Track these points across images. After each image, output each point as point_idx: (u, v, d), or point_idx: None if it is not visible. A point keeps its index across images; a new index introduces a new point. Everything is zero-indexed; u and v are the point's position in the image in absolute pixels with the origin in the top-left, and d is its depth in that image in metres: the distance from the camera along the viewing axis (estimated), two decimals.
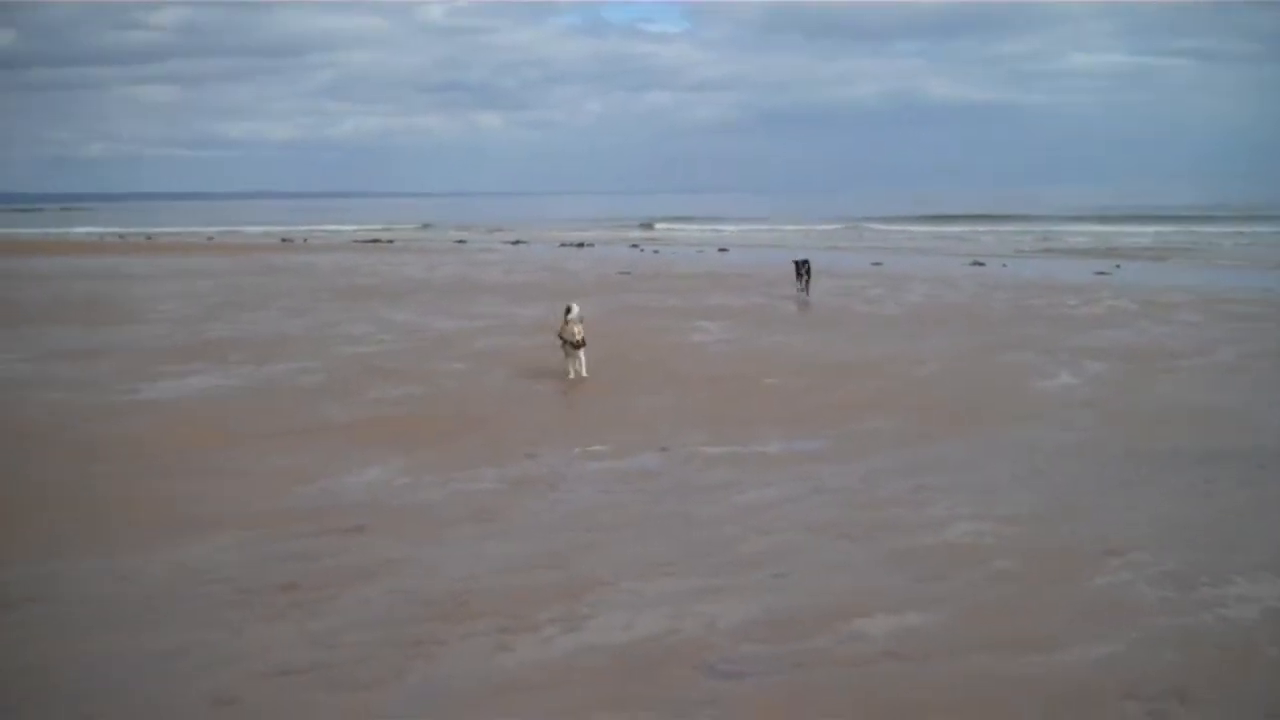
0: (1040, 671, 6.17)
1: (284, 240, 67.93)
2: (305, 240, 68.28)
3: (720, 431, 12.23)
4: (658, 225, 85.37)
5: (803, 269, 27.76)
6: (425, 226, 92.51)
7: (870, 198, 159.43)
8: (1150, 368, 16.07)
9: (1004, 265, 38.22)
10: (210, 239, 70.68)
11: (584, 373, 15.51)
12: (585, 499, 9.95)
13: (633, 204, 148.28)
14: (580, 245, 57.64)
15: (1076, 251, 46.17)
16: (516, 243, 62.99)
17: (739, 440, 11.83)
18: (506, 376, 15.92)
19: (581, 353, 15.53)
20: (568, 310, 15.86)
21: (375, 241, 65.48)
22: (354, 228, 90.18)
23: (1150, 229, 63.67)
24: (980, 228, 71.73)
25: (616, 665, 6.29)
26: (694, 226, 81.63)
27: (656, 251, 50.82)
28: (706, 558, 8.15)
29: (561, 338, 15.71)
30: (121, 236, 75.14)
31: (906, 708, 5.73)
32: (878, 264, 39.23)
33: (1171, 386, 14.72)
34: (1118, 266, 36.39)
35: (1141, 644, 6.52)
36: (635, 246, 56.30)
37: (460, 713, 5.69)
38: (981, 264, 38.44)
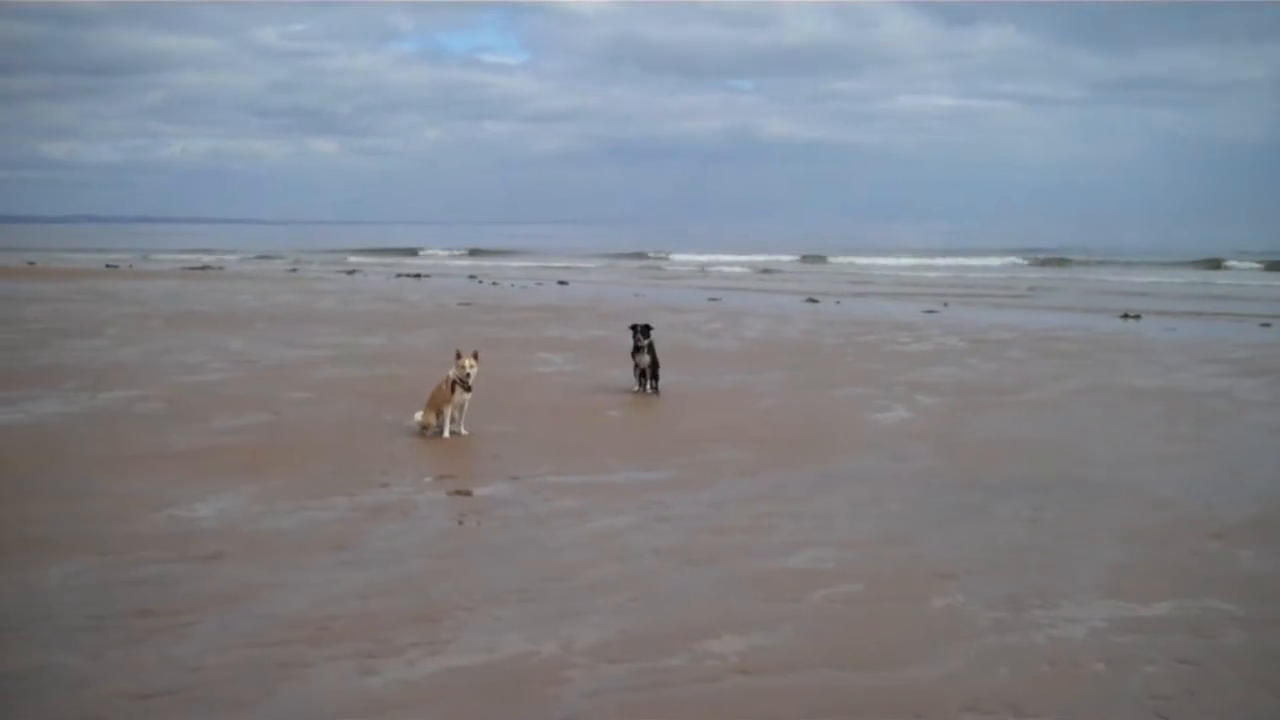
0: (884, 685, 6.50)
1: (110, 266, 66.19)
2: (132, 266, 66.63)
3: (568, 461, 12.43)
4: (492, 257, 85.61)
5: (643, 348, 17.44)
6: (260, 256, 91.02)
7: (710, 231, 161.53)
8: (979, 402, 16.77)
9: (837, 302, 39.22)
10: (32, 263, 68.41)
11: (463, 430, 13.89)
12: (439, 526, 10.06)
13: (471, 234, 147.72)
14: (417, 276, 57.41)
15: (905, 288, 47.57)
16: (352, 272, 62.44)
17: (587, 470, 12.05)
18: (350, 406, 15.89)
19: (469, 396, 13.83)
20: (465, 364, 13.77)
21: (206, 269, 64.26)
22: (183, 254, 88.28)
23: (977, 261, 65.98)
24: (812, 267, 73.40)
25: (480, 685, 6.44)
26: (530, 263, 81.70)
27: (495, 284, 50.89)
28: (561, 582, 8.34)
29: (454, 386, 13.76)
30: None
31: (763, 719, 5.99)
32: (715, 299, 39.91)
33: (1000, 420, 15.38)
34: (945, 305, 37.63)
35: (977, 661, 6.91)
36: (473, 278, 56.34)
37: None
38: (816, 301, 39.40)
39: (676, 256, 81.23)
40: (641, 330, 17.46)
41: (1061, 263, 67.10)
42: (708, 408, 16.14)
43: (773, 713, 6.09)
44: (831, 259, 75.46)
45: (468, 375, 13.71)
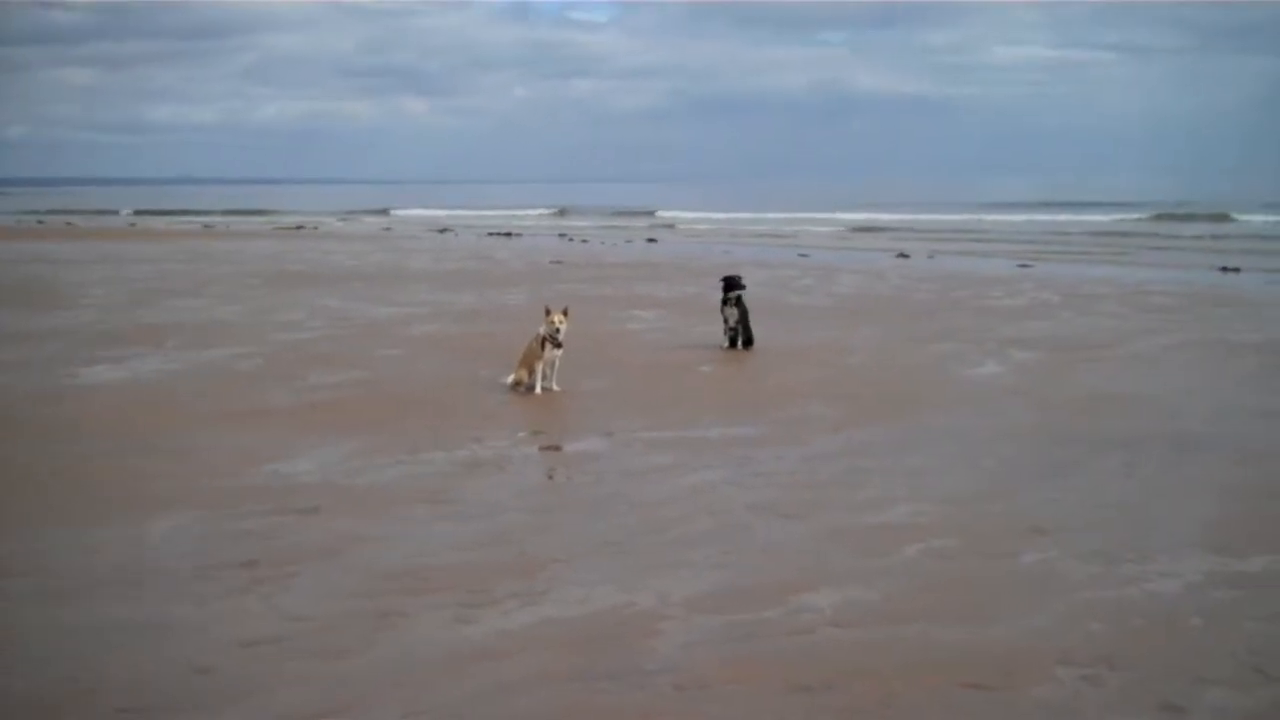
0: (976, 640, 6.51)
1: (207, 226, 67.33)
2: (229, 227, 67.73)
3: (660, 417, 12.49)
4: (579, 215, 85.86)
5: (729, 300, 17.33)
6: (349, 214, 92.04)
7: (800, 188, 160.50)
8: (1074, 357, 16.57)
9: (930, 257, 38.86)
10: (133, 225, 69.85)
11: (555, 386, 13.92)
12: (533, 481, 10.20)
13: (560, 192, 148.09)
14: (508, 234, 57.69)
15: (998, 243, 46.95)
16: (443, 230, 62.92)
17: (678, 425, 12.10)
18: (444, 362, 16.08)
19: (560, 354, 13.85)
20: (555, 320, 13.76)
21: (300, 228, 65.10)
22: (279, 214, 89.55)
23: (1075, 217, 65.03)
24: (907, 216, 72.71)
25: (576, 636, 6.55)
26: (626, 221, 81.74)
27: (585, 241, 51.06)
28: (654, 536, 8.43)
29: (545, 343, 13.76)
30: (41, 221, 73.94)
31: (851, 673, 6.03)
32: (805, 255, 39.74)
33: (1094, 375, 15.20)
34: (1039, 260, 37.12)
35: (1071, 616, 6.88)
36: (564, 236, 56.52)
37: (429, 679, 5.91)
38: (907, 256, 39.06)
39: (764, 214, 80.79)
40: (730, 283, 17.39)
41: (1161, 217, 65.82)
42: (799, 363, 16.12)
43: (866, 666, 6.12)
44: (922, 214, 74.65)
45: (557, 331, 13.72)
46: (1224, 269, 32.52)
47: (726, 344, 17.41)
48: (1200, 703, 5.71)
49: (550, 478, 10.49)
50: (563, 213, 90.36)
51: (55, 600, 7.04)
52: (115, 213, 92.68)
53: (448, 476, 10.11)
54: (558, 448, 11.37)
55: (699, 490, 9.67)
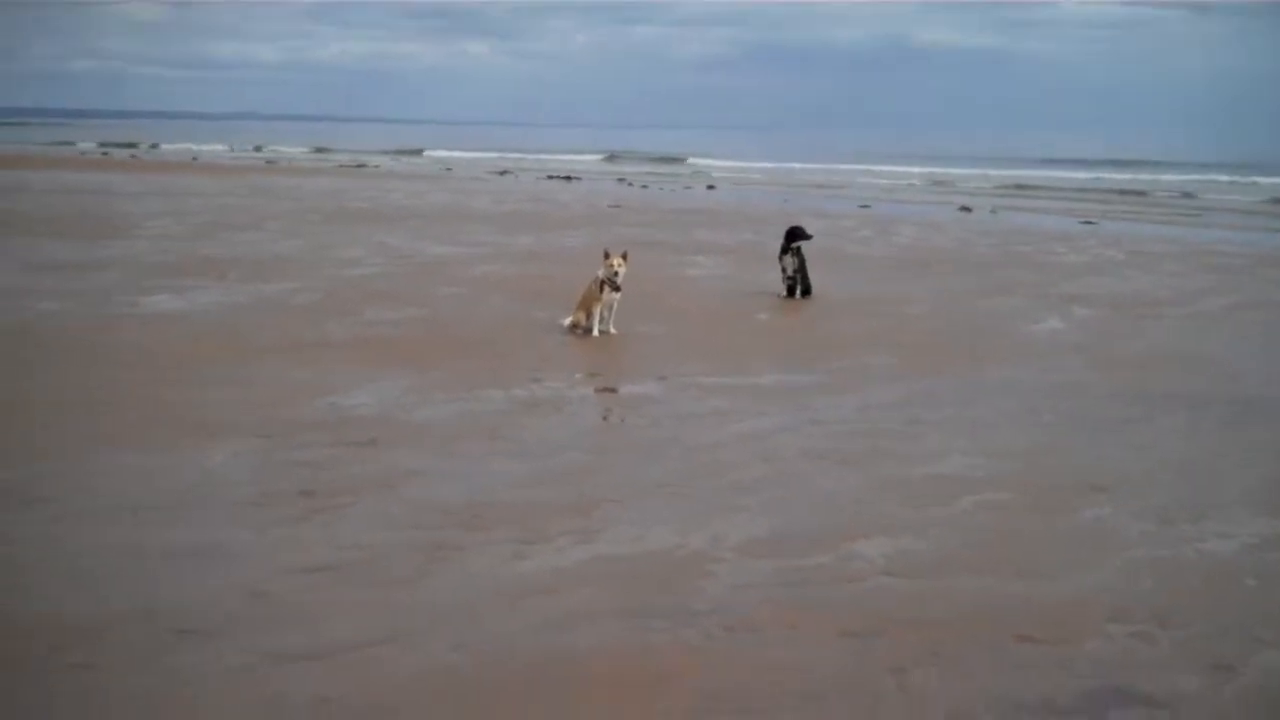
0: (1028, 593, 6.49)
1: (269, 162, 67.71)
2: (291, 163, 68.08)
3: (716, 363, 12.48)
4: (639, 161, 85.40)
5: (790, 250, 17.33)
6: (410, 152, 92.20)
7: (859, 139, 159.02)
8: (1136, 314, 16.39)
9: (992, 211, 38.47)
10: (195, 159, 70.33)
11: (612, 329, 13.94)
12: (589, 422, 10.24)
13: (613, 137, 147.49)
14: (568, 178, 57.64)
15: (1063, 198, 46.37)
16: (504, 173, 62.96)
17: (734, 372, 12.09)
18: (504, 303, 16.13)
19: (618, 297, 13.83)
20: (614, 264, 13.78)
21: (361, 166, 65.33)
22: (338, 152, 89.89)
23: (1141, 176, 64.11)
24: (969, 170, 71.88)
25: (629, 574, 6.58)
26: (677, 169, 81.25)
27: (645, 186, 50.90)
28: (709, 479, 8.44)
29: (603, 286, 13.79)
30: (106, 154, 74.63)
31: (901, 622, 6.03)
32: (865, 206, 39.44)
33: (1156, 333, 15.04)
34: (1104, 218, 36.64)
35: (1125, 573, 6.84)
36: (623, 181, 56.36)
37: (480, 612, 5.97)
38: (969, 209, 38.69)
39: (824, 165, 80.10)
40: (793, 233, 17.32)
41: (1226, 181, 64.69)
42: (857, 314, 16.04)
43: (917, 615, 6.12)
44: (986, 169, 73.73)
45: (616, 275, 13.74)
46: None
47: (784, 293, 17.36)
48: (1252, 663, 5.67)
49: (606, 419, 10.52)
50: (612, 158, 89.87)
51: (115, 522, 7.15)
52: (174, 146, 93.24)
53: (505, 415, 10.16)
54: (614, 390, 11.40)
55: (754, 436, 9.66)
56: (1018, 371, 12.46)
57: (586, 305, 13.96)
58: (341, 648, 5.44)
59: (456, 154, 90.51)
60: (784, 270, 17.37)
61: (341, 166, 64.17)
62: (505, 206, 34.78)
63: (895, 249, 25.04)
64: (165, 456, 8.52)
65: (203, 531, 7.03)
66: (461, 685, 5.15)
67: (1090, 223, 33.85)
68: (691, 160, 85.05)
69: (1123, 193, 53.81)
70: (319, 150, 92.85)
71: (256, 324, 13.97)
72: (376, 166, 65.97)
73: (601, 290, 13.87)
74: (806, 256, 17.44)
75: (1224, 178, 65.13)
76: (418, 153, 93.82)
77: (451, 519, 7.38)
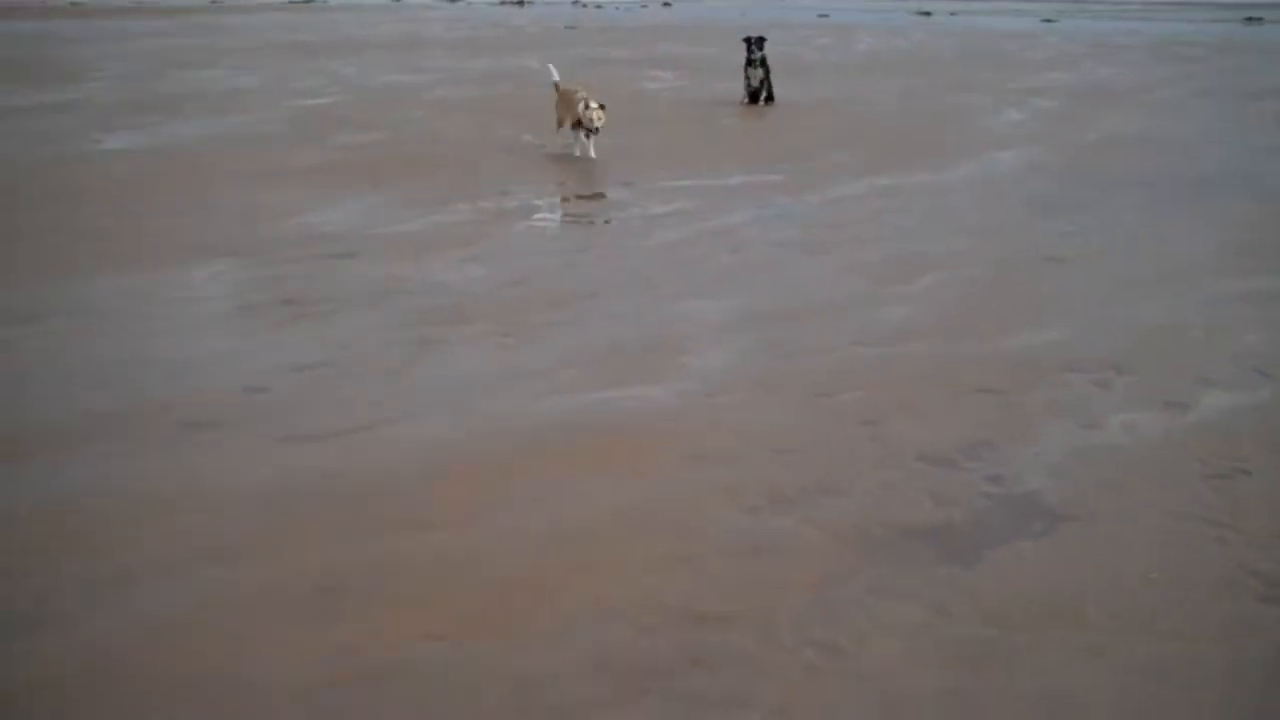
0: (990, 351, 6.80)
1: (213, 1, 66.20)
2: (236, 2, 66.58)
3: (682, 168, 12.64)
4: None
5: (754, 61, 17.47)
6: None
7: None
8: (1095, 104, 16.57)
9: (951, 14, 38.20)
10: (138, 2, 68.65)
11: (591, 154, 13.42)
12: (560, 227, 10.44)
13: None
14: (520, 2, 56.69)
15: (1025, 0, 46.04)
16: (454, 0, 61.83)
17: (701, 175, 12.26)
18: (466, 123, 16.17)
19: (592, 138, 13.37)
20: (593, 116, 13.11)
21: (310, 1, 64.00)
22: None
23: None
24: None
25: (609, 356, 6.85)
26: None
27: (599, 7, 50.18)
28: (680, 271, 8.68)
29: (574, 121, 13.38)
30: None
31: (870, 383, 6.33)
32: (824, 15, 39.07)
33: (1114, 121, 15.24)
34: (1064, 15, 36.46)
35: (1083, 330, 7.16)
36: (577, 2, 55.50)
37: (471, 394, 6.23)
38: (928, 13, 38.40)
39: None
40: (755, 42, 17.33)
41: None
42: (820, 116, 16.15)
43: (884, 376, 6.42)
44: None
45: (596, 130, 13.19)
46: (1248, 19, 31.99)
47: (746, 99, 17.40)
48: (1201, 400, 6.01)
49: (575, 224, 10.71)
50: None
51: (110, 335, 7.36)
52: None
53: (476, 225, 10.33)
54: (582, 197, 11.57)
55: (722, 232, 9.89)
56: (979, 162, 12.68)
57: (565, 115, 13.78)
58: (344, 430, 5.71)
59: None
60: (749, 81, 17.40)
61: (289, 2, 62.83)
62: (459, 33, 34.37)
63: (856, 55, 25.00)
64: (148, 277, 8.67)
65: (194, 340, 7.24)
66: (462, 453, 5.44)
67: (1050, 20, 33.70)
68: None
69: None
70: None
71: (222, 154, 14.01)
72: (326, 1, 64.61)
73: (576, 127, 13.45)
74: (770, 66, 17.46)
75: None
76: None
77: (433, 317, 7.61)
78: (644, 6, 50.00)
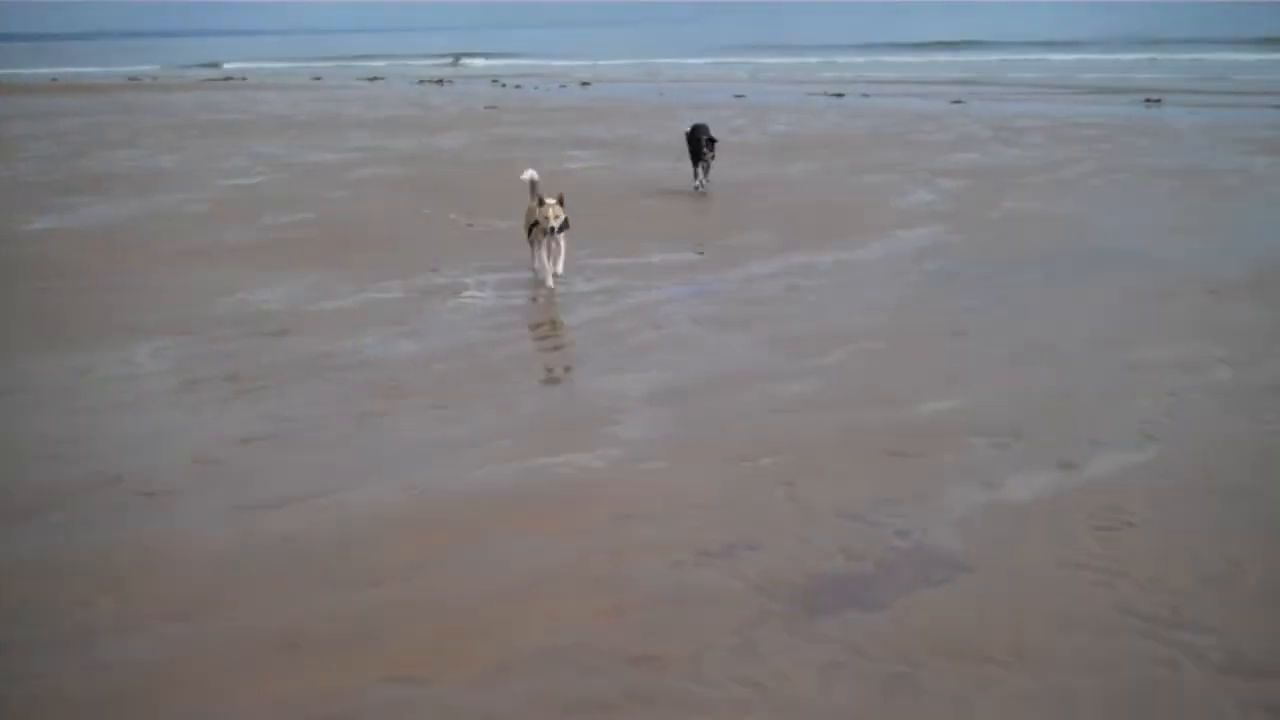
0: (898, 418, 7.29)
1: (132, 79, 66.24)
2: (155, 79, 66.69)
3: (605, 246, 13.09)
4: (504, 60, 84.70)
5: (706, 148, 17.03)
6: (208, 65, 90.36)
7: (726, 30, 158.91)
8: (999, 184, 17.30)
9: (864, 96, 39.32)
10: (54, 80, 68.50)
11: (560, 269, 11.25)
12: (488, 304, 10.81)
13: (459, 38, 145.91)
14: (440, 82, 57.35)
15: (933, 82, 47.40)
16: (374, 79, 62.38)
17: (624, 253, 12.72)
18: (392, 202, 16.56)
19: (562, 240, 11.12)
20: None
21: (228, 79, 64.28)
22: (199, 67, 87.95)
23: (1007, 57, 65.48)
24: (838, 58, 72.73)
25: (542, 425, 7.26)
26: (552, 61, 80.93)
27: (519, 86, 50.92)
28: (605, 346, 9.12)
29: (532, 223, 11.34)
30: None
31: (787, 448, 6.77)
32: (740, 96, 40.05)
33: (1017, 200, 15.95)
34: (970, 98, 37.68)
35: (985, 399, 7.66)
36: (496, 81, 56.25)
37: (410, 464, 6.60)
38: (841, 95, 39.50)
39: (687, 60, 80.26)
40: (698, 134, 17.13)
41: (1081, 52, 66.54)
42: (737, 196, 16.73)
43: (799, 441, 6.87)
44: (854, 57, 74.68)
45: (553, 230, 10.94)
46: (1148, 101, 33.31)
47: (703, 186, 17.33)
48: (1091, 460, 6.52)
49: (503, 301, 11.09)
50: (458, 61, 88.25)
51: (58, 411, 7.65)
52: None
53: (407, 302, 10.72)
54: (508, 275, 11.95)
55: (645, 308, 10.35)
56: (889, 241, 13.27)
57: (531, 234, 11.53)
58: (296, 497, 6.05)
59: (255, 65, 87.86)
60: (705, 173, 17.28)
61: (208, 80, 63.06)
62: (380, 111, 34.84)
63: (771, 135, 25.75)
64: (91, 355, 8.96)
65: (142, 416, 7.55)
66: (407, 517, 5.81)
67: (959, 102, 34.84)
68: (554, 61, 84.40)
69: (988, 74, 54.97)
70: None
71: (154, 233, 14.30)
72: (244, 79, 64.91)
73: (535, 231, 11.32)
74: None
75: (1076, 52, 66.69)
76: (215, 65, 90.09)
77: (372, 390, 7.98)
78: (562, 87, 50.82)
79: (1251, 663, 4.44)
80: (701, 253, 12.72)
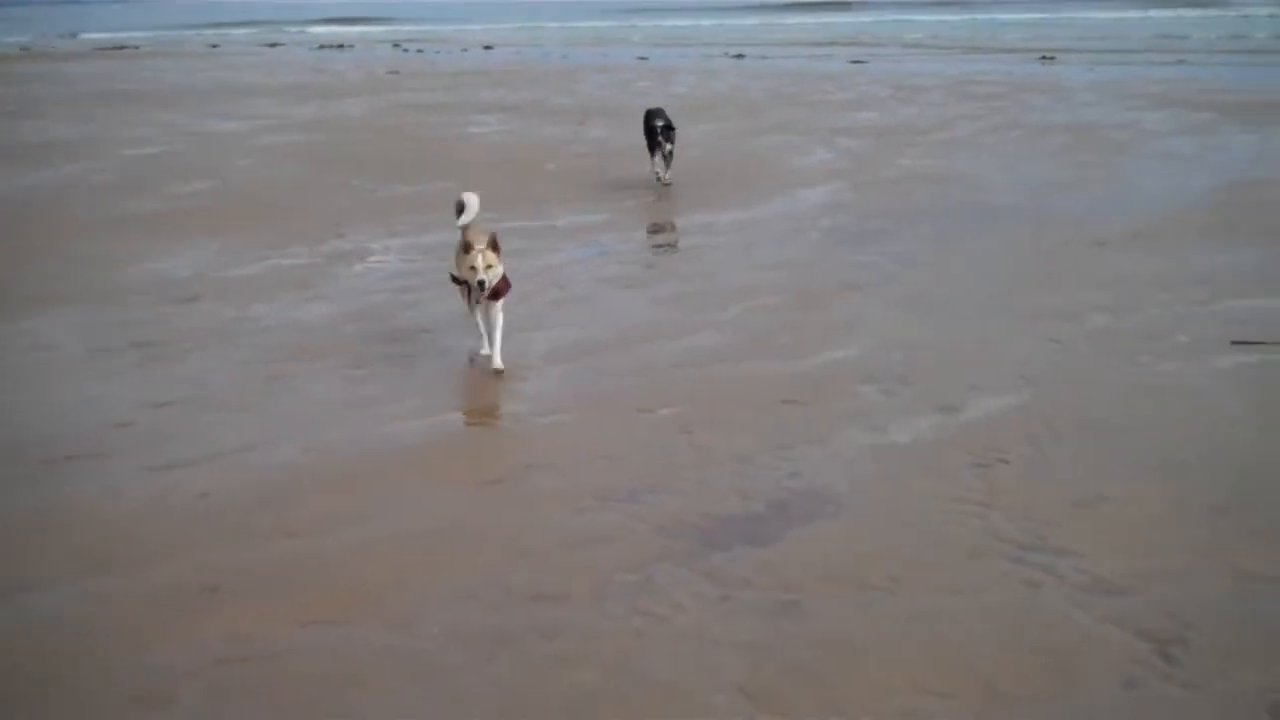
0: (793, 370, 7.62)
1: (24, 49, 64.84)
2: (46, 49, 65.33)
3: (510, 209, 13.25)
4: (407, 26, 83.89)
5: (662, 136, 14.65)
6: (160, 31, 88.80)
7: None
8: (896, 142, 17.72)
9: (764, 58, 39.65)
10: None
11: (496, 353, 7.76)
12: (394, 267, 10.99)
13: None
14: (340, 46, 56.84)
15: (830, 44, 47.90)
16: (274, 45, 61.65)
17: (529, 216, 12.92)
18: (295, 169, 16.60)
19: (499, 311, 7.81)
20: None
21: (123, 48, 63.14)
22: (98, 34, 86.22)
23: (908, 17, 66.15)
24: (747, 20, 73.03)
25: (450, 384, 7.52)
26: (448, 26, 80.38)
27: (420, 51, 50.64)
28: (512, 307, 9.34)
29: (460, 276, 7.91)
30: None
31: (686, 399, 7.08)
32: (643, 58, 40.21)
33: (913, 158, 16.37)
34: (872, 58, 38.18)
35: (875, 349, 8.02)
36: (398, 46, 55.88)
37: (321, 423, 6.81)
38: (742, 56, 39.82)
39: (589, 23, 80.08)
40: (664, 130, 14.82)
41: (974, 12, 67.48)
42: (638, 159, 16.96)
43: (699, 393, 7.18)
44: (744, 19, 75.00)
45: (482, 284, 7.61)
46: (1043, 58, 34.01)
47: (665, 177, 15.05)
48: (971, 403, 6.90)
49: (409, 263, 11.26)
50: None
51: None
52: None
53: (314, 267, 10.87)
54: (413, 240, 12.12)
55: (550, 269, 10.59)
56: (787, 200, 13.62)
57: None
58: (209, 456, 6.25)
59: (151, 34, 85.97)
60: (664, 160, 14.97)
61: (100, 49, 61.90)
62: (281, 78, 34.54)
63: (673, 96, 25.95)
64: (1, 327, 9.02)
65: (55, 385, 7.67)
66: (318, 473, 6.04)
67: (860, 62, 35.31)
68: (457, 26, 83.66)
69: (889, 33, 55.58)
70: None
71: (57, 204, 14.26)
72: (137, 48, 63.80)
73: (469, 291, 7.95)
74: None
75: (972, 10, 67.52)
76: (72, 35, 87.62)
77: (281, 353, 8.16)
78: (465, 51, 50.61)
79: (1109, 582, 4.82)
80: (605, 215, 12.96)
